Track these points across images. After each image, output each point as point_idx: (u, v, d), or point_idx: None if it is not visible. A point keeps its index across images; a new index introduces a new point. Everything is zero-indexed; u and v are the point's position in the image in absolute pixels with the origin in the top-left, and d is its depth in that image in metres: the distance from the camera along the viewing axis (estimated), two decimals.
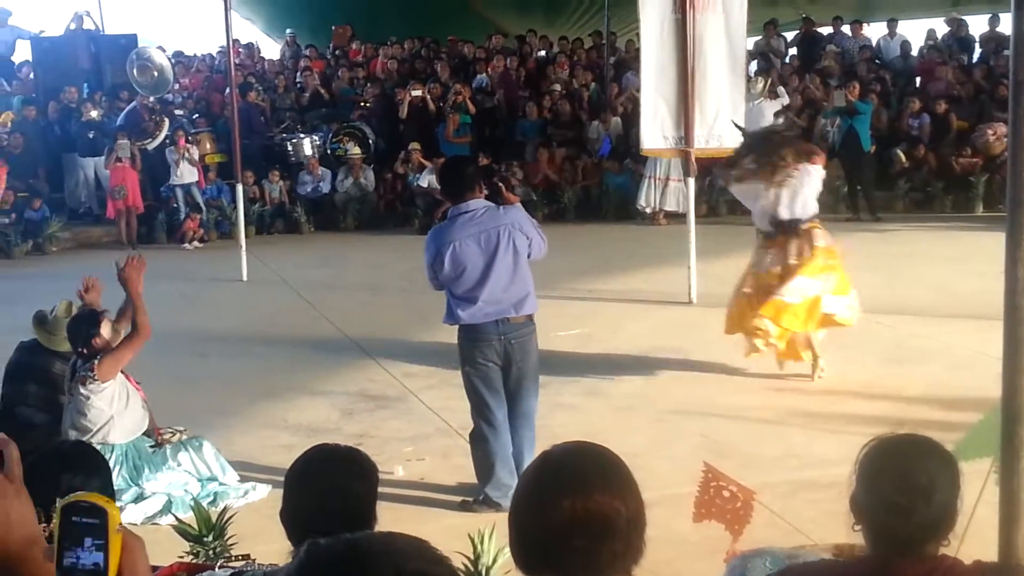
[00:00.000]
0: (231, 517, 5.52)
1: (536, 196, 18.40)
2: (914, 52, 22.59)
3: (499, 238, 6.22)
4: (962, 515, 2.91)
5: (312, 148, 19.76)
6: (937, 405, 7.80)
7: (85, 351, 6.55)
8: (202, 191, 18.54)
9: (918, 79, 21.84)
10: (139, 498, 6.54)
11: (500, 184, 6.78)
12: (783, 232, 8.63)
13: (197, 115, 21.15)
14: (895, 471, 2.78)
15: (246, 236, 14.78)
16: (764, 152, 8.62)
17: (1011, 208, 3.58)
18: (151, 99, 19.64)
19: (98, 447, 6.48)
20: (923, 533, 2.76)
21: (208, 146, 19.79)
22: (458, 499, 6.53)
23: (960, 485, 2.80)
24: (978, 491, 3.89)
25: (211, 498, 6.56)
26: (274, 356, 10.24)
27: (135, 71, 19.40)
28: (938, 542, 2.80)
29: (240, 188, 14.91)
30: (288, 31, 25.93)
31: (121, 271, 6.67)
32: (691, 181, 12.20)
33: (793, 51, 23.32)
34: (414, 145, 19.18)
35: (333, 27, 24.78)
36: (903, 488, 2.73)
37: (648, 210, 18.07)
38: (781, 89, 18.22)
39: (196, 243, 17.77)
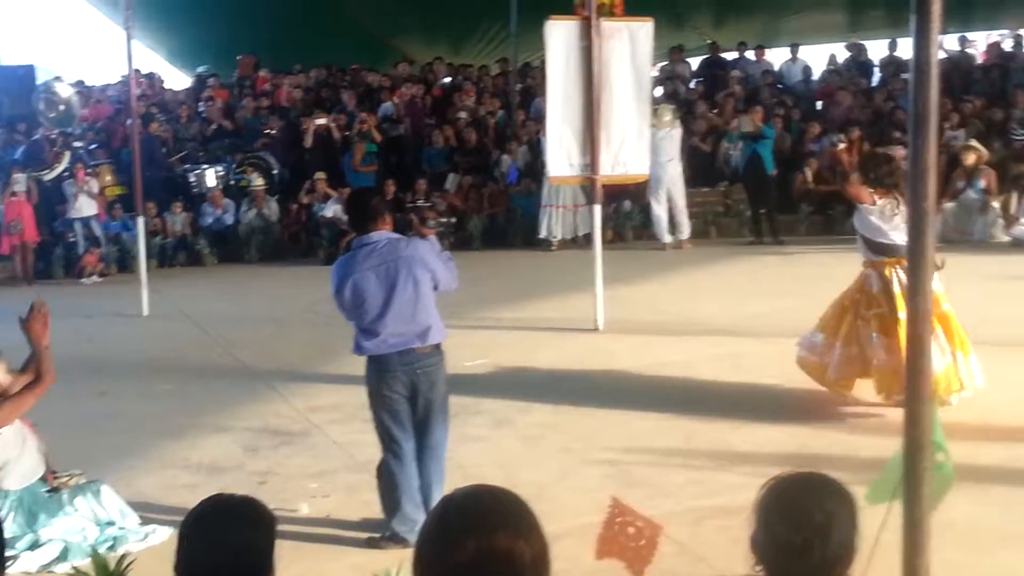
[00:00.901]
0: (131, 563, 5.35)
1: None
2: (815, 76, 22.98)
3: (398, 270, 6.16)
4: (867, 542, 2.89)
5: (215, 179, 19.54)
6: (842, 427, 7.87)
7: None
8: (103, 225, 18.21)
9: (819, 103, 22.23)
10: (34, 545, 6.31)
11: (413, 217, 6.74)
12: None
13: (96, 146, 20.78)
14: (791, 511, 2.78)
15: (147, 269, 14.52)
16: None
17: (912, 239, 3.58)
18: (55, 132, 19.31)
19: None
20: (819, 572, 2.75)
21: (108, 178, 19.49)
22: (364, 536, 6.40)
23: (858, 522, 2.81)
24: (882, 518, 3.88)
25: (110, 543, 6.36)
26: (176, 393, 10.03)
27: (42, 105, 19.06)
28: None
29: (141, 220, 14.64)
30: (200, 68, 25.59)
31: (25, 322, 6.44)
32: (597, 208, 12.19)
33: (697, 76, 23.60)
34: (319, 175, 19.07)
35: (238, 57, 24.55)
36: (799, 527, 2.73)
37: (553, 240, 18.12)
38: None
39: (95, 277, 17.44)
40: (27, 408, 6.40)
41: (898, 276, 7.97)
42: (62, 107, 19.40)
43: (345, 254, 6.44)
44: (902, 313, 7.47)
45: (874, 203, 8.22)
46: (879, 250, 8.29)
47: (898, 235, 7.97)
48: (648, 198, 18.00)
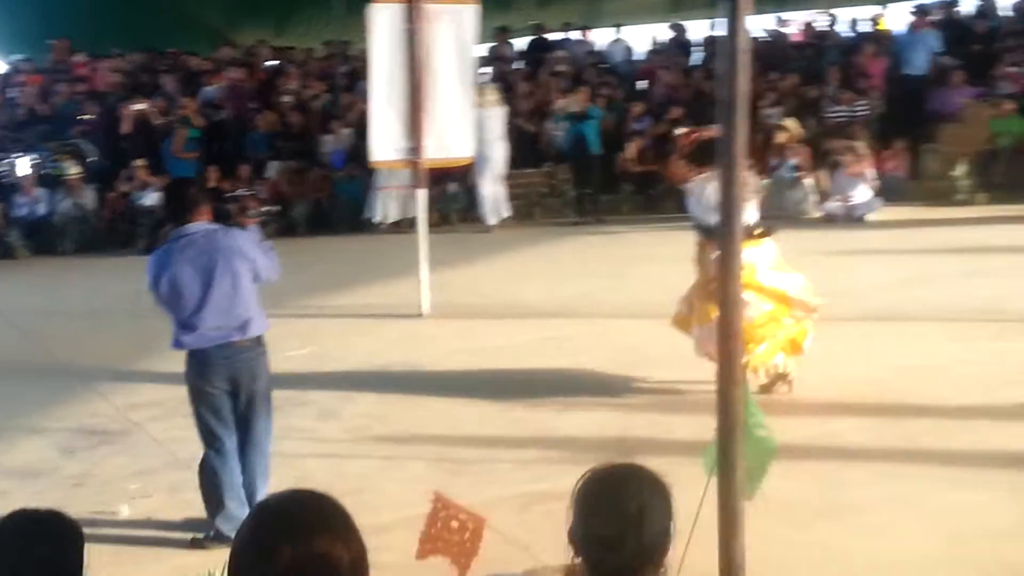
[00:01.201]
0: None
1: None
2: (637, 56, 23.33)
3: (215, 262, 6.05)
4: (686, 521, 2.94)
5: (28, 168, 18.84)
6: (663, 407, 8.03)
7: None
8: None
9: (642, 83, 22.58)
10: None
11: (234, 206, 6.61)
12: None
13: None
14: (604, 503, 2.80)
15: None
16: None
17: (722, 224, 3.65)
18: None
19: None
20: (636, 562, 2.78)
21: None
22: (188, 536, 6.28)
23: (672, 511, 2.84)
24: (699, 497, 3.96)
25: None
26: None
27: None
28: (655, 568, 2.83)
29: None
30: (15, 57, 24.62)
31: None
32: (421, 192, 12.14)
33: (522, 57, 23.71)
34: (138, 162, 18.55)
35: (51, 41, 23.71)
36: (612, 519, 2.76)
37: (382, 222, 18.08)
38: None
39: None
40: None
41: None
42: None
43: (162, 246, 6.29)
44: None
45: (691, 180, 8.34)
46: (705, 233, 8.34)
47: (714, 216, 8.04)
48: (475, 179, 18.06)
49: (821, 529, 5.92)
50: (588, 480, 2.87)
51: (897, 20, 23.24)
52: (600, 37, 24.69)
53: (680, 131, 9.10)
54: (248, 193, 17.76)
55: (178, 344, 6.17)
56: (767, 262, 8.23)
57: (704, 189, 8.19)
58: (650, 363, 9.26)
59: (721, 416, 3.81)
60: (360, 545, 2.25)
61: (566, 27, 24.26)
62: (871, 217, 16.72)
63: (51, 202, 18.41)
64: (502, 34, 23.40)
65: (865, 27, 22.75)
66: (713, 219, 7.95)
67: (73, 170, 18.61)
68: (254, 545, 2.20)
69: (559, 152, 19.65)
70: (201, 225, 6.15)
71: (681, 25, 24.13)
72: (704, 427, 4.33)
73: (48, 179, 18.96)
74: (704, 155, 8.23)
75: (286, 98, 20.86)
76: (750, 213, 7.99)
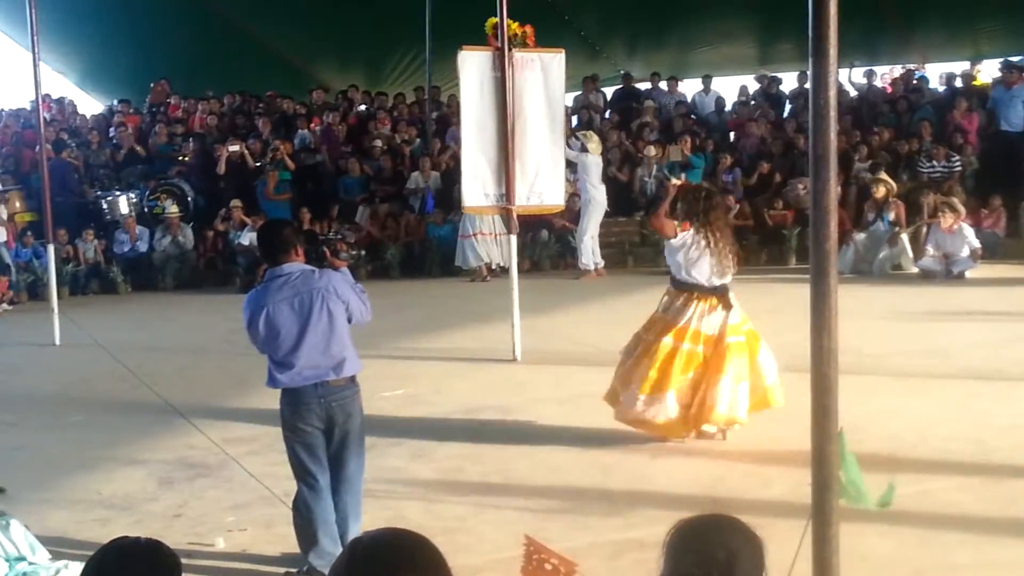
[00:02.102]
0: None
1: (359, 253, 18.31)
2: (727, 107, 23.34)
3: (312, 302, 6.14)
4: (779, 572, 2.95)
5: (128, 206, 19.32)
6: (756, 459, 7.93)
7: None
8: (12, 252, 17.91)
9: (731, 134, 22.58)
10: None
11: (325, 249, 6.68)
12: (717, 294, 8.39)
13: (4, 172, 20.47)
14: (694, 546, 2.81)
15: (59, 298, 14.31)
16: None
17: (815, 278, 3.66)
18: None
19: None
20: None
21: (18, 204, 19.18)
22: (281, 570, 6.35)
23: (764, 562, 2.84)
24: (795, 549, 3.95)
25: None
26: (89, 424, 9.88)
27: None
28: None
29: (52, 248, 14.42)
30: (114, 101, 25.28)
31: None
32: (513, 238, 12.24)
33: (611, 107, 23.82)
34: (235, 202, 18.94)
35: (152, 84, 24.33)
36: (704, 562, 2.77)
37: (471, 266, 18.25)
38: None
39: (5, 305, 17.13)
40: None
41: (697, 310, 8.29)
42: None
43: (258, 286, 6.39)
44: (700, 347, 8.19)
45: (675, 235, 8.37)
46: (678, 285, 8.48)
47: (698, 272, 8.29)
48: (575, 225, 18.20)
49: None
50: (680, 527, 2.89)
51: (990, 75, 23.02)
52: (688, 88, 24.74)
53: (675, 182, 9.15)
54: (338, 236, 17.99)
55: (273, 383, 6.23)
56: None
57: (688, 244, 8.32)
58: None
59: (815, 471, 3.81)
60: None
61: (654, 77, 24.32)
62: (969, 274, 16.48)
63: (150, 240, 18.81)
64: (591, 83, 23.55)
65: (959, 82, 22.52)
66: (687, 275, 8.27)
67: (172, 209, 19.03)
68: None
69: (651, 201, 19.71)
70: (297, 266, 6.25)
71: (770, 76, 24.10)
72: (799, 481, 4.34)
73: (147, 217, 19.39)
74: (691, 209, 8.42)
75: (377, 142, 21.16)
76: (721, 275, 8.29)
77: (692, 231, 8.34)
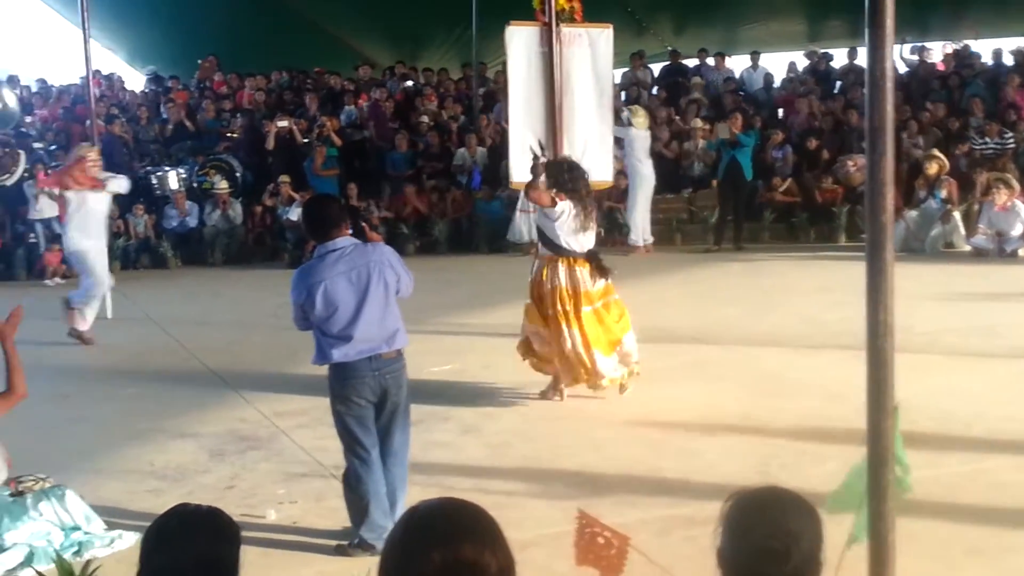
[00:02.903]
0: (96, 569, 5.34)
1: (408, 229, 18.35)
2: (776, 84, 23.15)
3: (370, 274, 6.16)
4: (833, 554, 2.93)
5: (178, 181, 19.45)
6: (807, 436, 7.90)
7: None
8: (64, 226, 18.06)
9: (780, 110, 22.41)
10: None
11: (364, 224, 6.70)
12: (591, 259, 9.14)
13: (56, 148, 20.65)
14: (766, 518, 2.78)
15: (110, 272, 14.41)
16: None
17: (870, 252, 3.63)
18: (1, 133, 19.12)
19: None
20: None
21: None
22: (332, 543, 6.39)
23: (823, 535, 2.82)
24: (848, 530, 3.93)
25: (75, 548, 6.34)
26: (141, 397, 9.98)
27: None
28: None
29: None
30: (147, 69, 25.49)
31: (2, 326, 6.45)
32: None
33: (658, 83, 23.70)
34: (283, 178, 19.02)
35: (200, 60, 24.46)
36: (776, 533, 2.73)
37: (524, 240, 18.27)
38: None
39: (58, 279, 17.31)
40: None
41: (579, 271, 9.01)
42: (1, 106, 19.23)
43: (307, 261, 6.39)
44: (569, 306, 8.93)
45: (554, 205, 8.89)
46: (554, 249, 9.07)
47: (571, 239, 8.96)
48: (624, 201, 18.19)
49: (972, 568, 5.79)
50: (741, 499, 2.85)
51: None
52: (736, 64, 24.57)
53: (540, 159, 9.46)
54: (367, 211, 18.07)
55: (324, 358, 6.22)
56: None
57: (566, 213, 8.90)
58: (793, 391, 9.20)
59: (871, 447, 3.77)
60: (508, 555, 2.29)
61: (702, 53, 24.16)
62: (1023, 252, 16.30)
63: (200, 215, 18.94)
64: (638, 59, 23.43)
65: (1010, 58, 22.21)
66: (565, 241, 8.85)
67: (222, 184, 19.13)
68: (404, 550, 2.26)
69: (698, 179, 19.64)
70: (348, 240, 6.25)
71: (820, 53, 23.88)
72: (853, 458, 4.29)
73: (196, 192, 19.52)
74: (564, 180, 9.03)
75: (424, 118, 21.17)
76: (589, 240, 9.07)
77: (568, 201, 8.90)
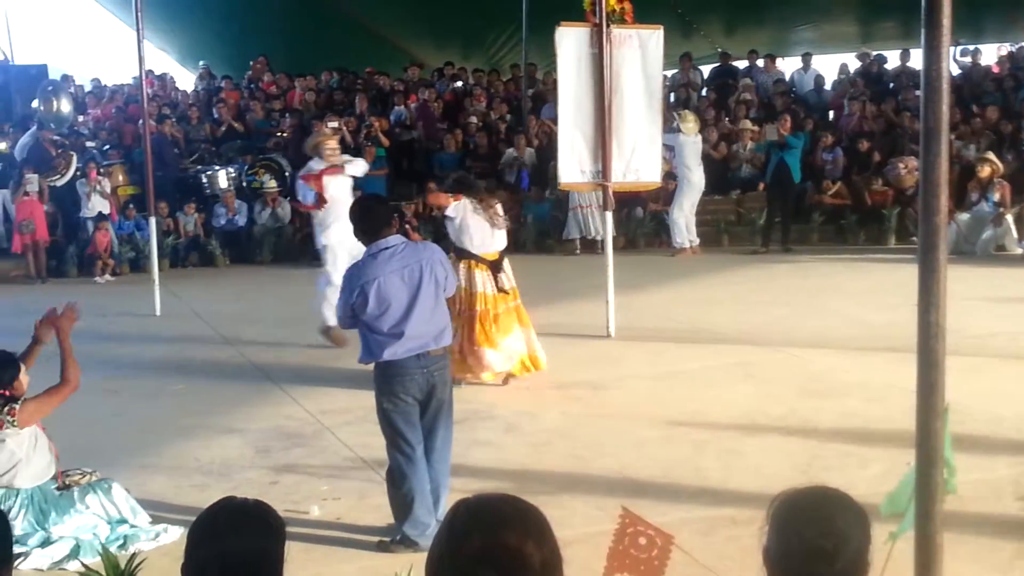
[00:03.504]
0: (142, 562, 5.40)
1: None
2: (827, 86, 22.97)
3: (422, 272, 6.18)
4: (879, 555, 2.90)
5: (227, 180, 19.59)
6: (852, 438, 7.84)
7: (6, 393, 6.37)
8: (116, 225, 18.28)
9: (831, 112, 22.24)
10: (45, 543, 6.34)
11: (408, 227, 6.74)
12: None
13: (109, 147, 20.87)
14: (815, 518, 2.76)
15: (160, 269, 14.56)
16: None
17: (923, 252, 3.60)
18: (54, 132, 19.32)
19: (1, 491, 6.34)
20: None
21: (121, 178, 19.56)
22: (375, 539, 6.41)
23: (871, 535, 2.80)
24: (895, 528, 3.89)
25: (121, 541, 6.39)
26: (187, 393, 10.07)
27: (40, 105, 19.13)
28: None
29: (153, 220, 14.67)
30: (201, 63, 25.73)
31: (56, 318, 6.57)
32: (609, 215, 12.23)
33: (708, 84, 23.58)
34: None
35: (252, 61, 24.63)
36: (826, 533, 2.72)
37: (578, 239, 18.35)
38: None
39: (108, 276, 17.49)
40: (50, 410, 6.47)
41: (478, 275, 9.59)
42: (55, 108, 19.44)
43: (361, 259, 6.38)
44: (478, 306, 9.54)
45: (449, 205, 9.56)
46: (459, 253, 9.57)
47: (467, 240, 9.54)
48: (670, 203, 18.15)
49: (1020, 572, 5.71)
50: (789, 498, 2.84)
51: None
52: (787, 66, 24.40)
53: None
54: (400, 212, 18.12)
55: (373, 355, 6.22)
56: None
57: (462, 213, 9.47)
58: (838, 393, 9.13)
59: (920, 447, 3.74)
60: (554, 549, 2.29)
61: (752, 55, 24.03)
62: None
63: (249, 213, 19.06)
64: (687, 61, 23.34)
65: None
66: (467, 241, 9.41)
67: (271, 183, 19.24)
68: (449, 535, 2.28)
69: (747, 179, 19.54)
70: (398, 237, 6.28)
71: (871, 55, 23.68)
72: (898, 460, 4.27)
73: (245, 191, 19.65)
74: (460, 184, 9.71)
75: (472, 119, 21.19)
76: (496, 242, 9.71)
77: (465, 201, 9.51)
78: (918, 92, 3.56)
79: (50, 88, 19.41)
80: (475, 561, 2.21)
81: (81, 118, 22.57)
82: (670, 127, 16.86)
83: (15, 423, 6.31)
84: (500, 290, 9.72)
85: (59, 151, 19.10)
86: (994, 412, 8.25)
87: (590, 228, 18.24)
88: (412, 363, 6.18)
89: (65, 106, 19.78)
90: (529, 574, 2.23)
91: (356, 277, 6.20)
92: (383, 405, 6.29)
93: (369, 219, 6.38)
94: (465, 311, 9.53)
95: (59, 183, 18.63)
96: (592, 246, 17.96)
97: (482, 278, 9.60)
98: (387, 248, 6.19)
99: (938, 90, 3.52)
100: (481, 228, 9.59)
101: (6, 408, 6.32)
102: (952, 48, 22.14)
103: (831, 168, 19.39)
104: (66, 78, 23.32)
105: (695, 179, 17.88)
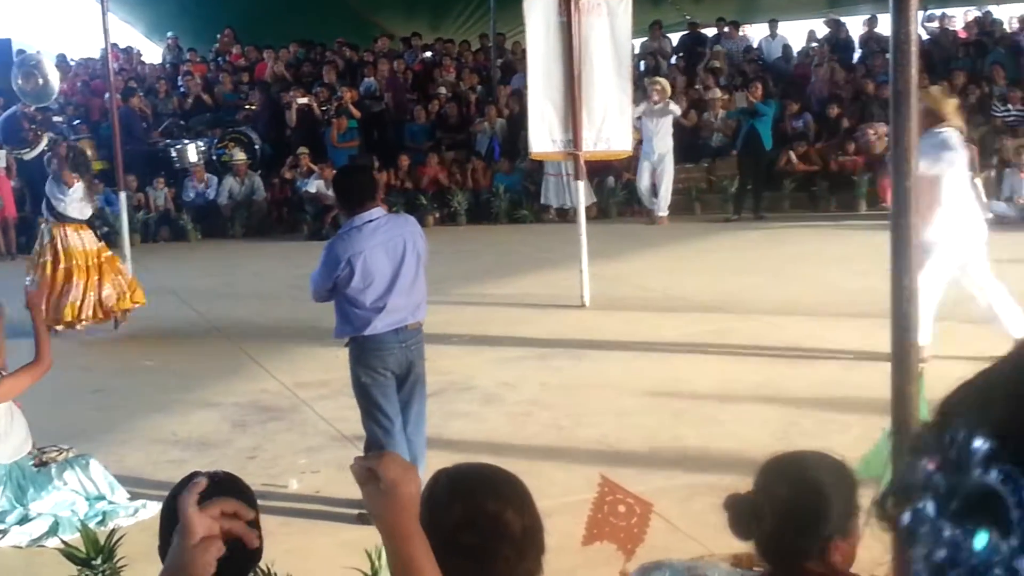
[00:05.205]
0: (120, 538, 5.38)
1: (426, 200, 18.34)
2: (795, 52, 23.00)
3: (406, 246, 6.15)
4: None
5: (197, 154, 19.45)
6: (829, 405, 7.89)
7: None
8: None
9: (799, 80, 22.26)
10: (24, 520, 6.33)
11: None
12: None
13: (77, 120, 20.68)
14: (804, 480, 2.78)
15: (131, 244, 14.44)
16: None
17: (895, 217, 3.61)
18: (32, 108, 19.09)
19: None
20: (826, 541, 2.76)
21: (89, 153, 19.33)
22: (354, 512, 6.40)
23: (857, 493, 2.81)
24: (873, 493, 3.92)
25: (100, 518, 6.39)
26: (163, 368, 10.04)
27: (19, 78, 18.86)
28: (836, 547, 2.81)
29: (123, 195, 14.55)
30: (169, 34, 25.51)
31: (29, 295, 6.57)
32: (581, 184, 12.22)
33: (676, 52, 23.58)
34: (303, 150, 19.00)
35: (219, 34, 24.43)
36: (814, 494, 2.74)
37: (554, 207, 18.36)
38: (674, 106, 18.24)
39: None
40: (24, 388, 6.45)
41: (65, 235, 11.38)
42: (40, 82, 19.18)
43: (344, 231, 6.24)
44: (62, 263, 11.23)
45: (72, 185, 11.31)
46: (59, 217, 11.34)
47: (69, 208, 11.36)
48: (638, 172, 18.17)
49: None
50: (776, 461, 2.85)
51: None
52: (754, 33, 24.40)
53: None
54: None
55: (355, 329, 6.16)
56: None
57: (77, 190, 11.30)
58: (814, 359, 9.18)
59: (895, 412, 3.77)
60: (535, 517, 2.31)
61: (720, 22, 24.02)
62: None
63: (219, 187, 18.95)
64: (657, 29, 23.32)
65: None
66: (71, 208, 11.41)
67: (240, 156, 19.13)
68: (429, 505, 2.26)
69: (718, 147, 19.56)
70: (381, 210, 6.24)
71: (839, 21, 23.70)
72: (876, 426, 4.29)
73: (215, 165, 19.54)
74: (76, 163, 11.69)
75: (442, 90, 21.13)
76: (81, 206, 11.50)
77: (81, 183, 11.44)
78: (887, 55, 3.57)
79: (32, 63, 19.11)
80: (456, 528, 2.23)
81: None
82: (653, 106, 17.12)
83: None
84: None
85: (31, 126, 18.89)
86: (968, 375, 8.29)
87: (565, 198, 18.24)
88: (391, 337, 6.16)
89: (51, 74, 19.43)
90: (510, 541, 2.25)
91: (342, 250, 6.09)
92: (361, 379, 6.27)
93: (354, 190, 6.30)
94: (83, 265, 11.33)
95: (27, 156, 18.41)
96: (565, 214, 17.99)
97: (83, 236, 11.59)
98: (371, 221, 6.12)
99: (907, 53, 3.53)
100: (84, 202, 11.59)
101: None
102: (923, 13, 22.29)
103: (802, 135, 19.43)
104: (40, 54, 23.02)
105: (660, 148, 17.92)
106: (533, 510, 2.32)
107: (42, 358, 6.39)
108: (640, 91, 17.01)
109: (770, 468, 2.85)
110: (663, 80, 18.56)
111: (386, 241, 6.11)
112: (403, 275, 6.14)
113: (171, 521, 2.87)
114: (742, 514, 2.78)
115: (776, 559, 2.81)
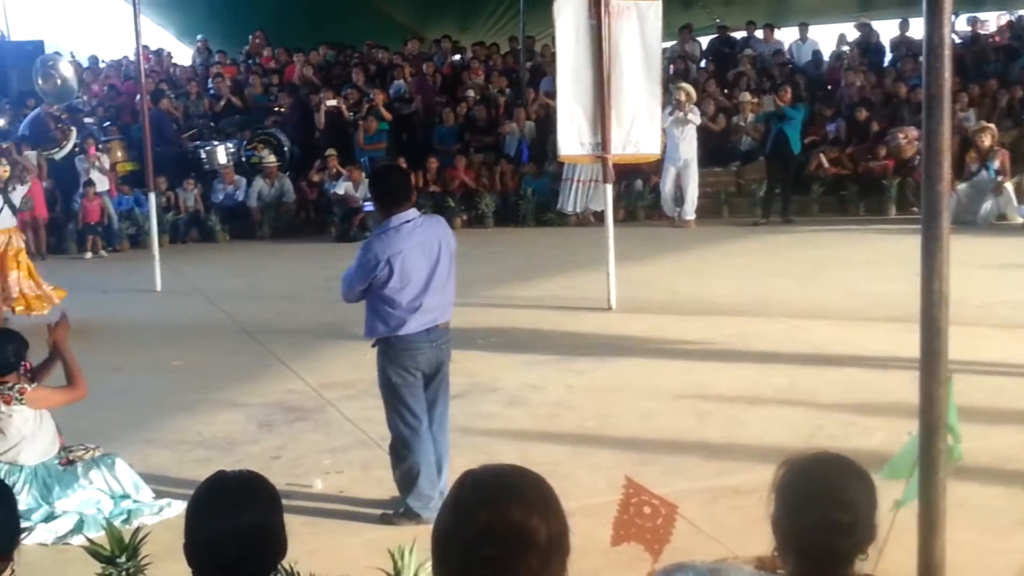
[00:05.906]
0: (145, 536, 5.40)
1: (454, 202, 18.35)
2: (825, 56, 22.88)
3: (440, 246, 6.17)
4: (883, 522, 2.90)
5: (226, 156, 19.52)
6: (854, 409, 7.85)
7: (28, 365, 6.45)
8: (115, 201, 18.25)
9: (830, 84, 22.16)
10: (49, 517, 6.36)
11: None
12: None
13: (108, 123, 20.80)
14: (828, 489, 2.74)
15: (160, 245, 14.53)
16: None
17: (926, 221, 3.60)
18: (56, 107, 19.22)
19: (5, 467, 6.36)
20: (856, 549, 2.74)
21: (119, 154, 19.49)
22: (378, 512, 6.43)
23: (876, 499, 2.79)
24: (899, 495, 3.90)
25: (124, 516, 6.42)
26: (190, 368, 10.07)
27: (39, 79, 18.98)
28: (858, 560, 2.79)
29: (153, 196, 14.64)
30: (199, 37, 25.63)
31: (52, 333, 6.65)
32: (608, 187, 12.19)
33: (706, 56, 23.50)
34: (331, 152, 19.03)
35: (251, 35, 24.52)
36: (841, 505, 2.70)
37: (569, 211, 18.28)
38: (693, 115, 18.11)
39: (102, 253, 17.49)
40: (54, 405, 6.59)
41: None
42: (59, 81, 19.28)
43: (381, 231, 6.19)
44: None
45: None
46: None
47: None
48: (664, 175, 18.12)
49: (1021, 538, 5.74)
50: (796, 468, 2.80)
51: None
52: (784, 36, 24.30)
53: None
54: None
55: (388, 329, 6.14)
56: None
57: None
58: (840, 363, 9.13)
59: (923, 415, 3.75)
60: (561, 523, 2.25)
61: (750, 26, 23.92)
62: None
63: (249, 189, 19.01)
64: (687, 32, 23.25)
65: None
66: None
67: (270, 158, 19.18)
68: (454, 509, 2.25)
69: (747, 151, 19.49)
70: (415, 211, 6.23)
71: (869, 25, 23.57)
72: (901, 430, 4.27)
73: (244, 167, 19.60)
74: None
75: (471, 92, 21.13)
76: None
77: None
78: (919, 59, 3.56)
79: (50, 63, 19.22)
80: (479, 538, 2.18)
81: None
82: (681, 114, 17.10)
83: (23, 401, 6.34)
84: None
85: (58, 125, 19.01)
86: (995, 382, 8.26)
87: (585, 203, 18.18)
88: (423, 337, 6.17)
89: (68, 72, 19.52)
90: (534, 550, 2.19)
91: (382, 249, 6.06)
92: (392, 379, 6.25)
93: (392, 190, 6.28)
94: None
95: (57, 156, 18.51)
96: (584, 220, 17.99)
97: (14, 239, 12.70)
98: (408, 221, 6.11)
99: (940, 57, 3.52)
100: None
101: (18, 386, 6.35)
102: (954, 18, 22.13)
103: (835, 139, 19.33)
104: (58, 55, 23.22)
105: (686, 152, 17.89)
106: (559, 514, 2.28)
107: (76, 386, 6.53)
108: (667, 94, 16.94)
109: (790, 477, 2.80)
110: (687, 86, 18.46)
111: (422, 242, 6.12)
112: (438, 275, 6.16)
113: (196, 520, 2.90)
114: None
115: (812, 569, 2.77)
